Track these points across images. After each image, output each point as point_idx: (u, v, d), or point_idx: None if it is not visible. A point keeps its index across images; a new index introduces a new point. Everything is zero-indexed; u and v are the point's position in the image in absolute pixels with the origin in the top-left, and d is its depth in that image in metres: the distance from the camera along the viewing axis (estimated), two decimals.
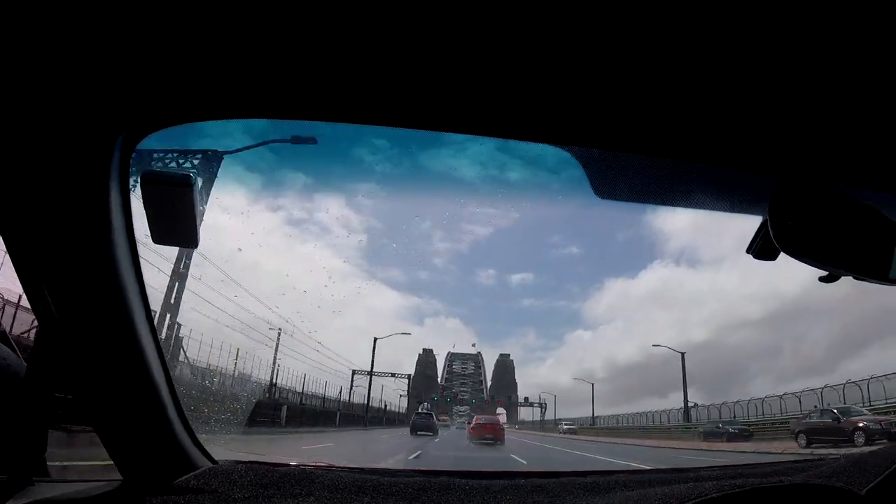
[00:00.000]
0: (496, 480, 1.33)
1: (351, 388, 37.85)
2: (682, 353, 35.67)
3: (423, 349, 71.71)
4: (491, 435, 19.64)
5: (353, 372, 39.87)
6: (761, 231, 1.07)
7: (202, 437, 1.29)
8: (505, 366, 75.44)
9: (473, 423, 22.94)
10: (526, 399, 64.20)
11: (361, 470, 1.46)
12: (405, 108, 0.91)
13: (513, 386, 69.43)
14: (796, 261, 0.96)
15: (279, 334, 27.37)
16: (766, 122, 0.90)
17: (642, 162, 1.07)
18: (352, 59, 0.80)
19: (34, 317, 1.07)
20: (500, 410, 63.73)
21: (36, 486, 1.08)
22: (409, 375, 58.17)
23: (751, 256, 1.09)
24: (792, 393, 27.23)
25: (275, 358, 27.07)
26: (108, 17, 0.71)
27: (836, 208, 0.93)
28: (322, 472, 1.28)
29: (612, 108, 0.89)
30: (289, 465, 1.37)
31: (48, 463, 1.18)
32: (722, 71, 0.80)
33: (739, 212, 1.20)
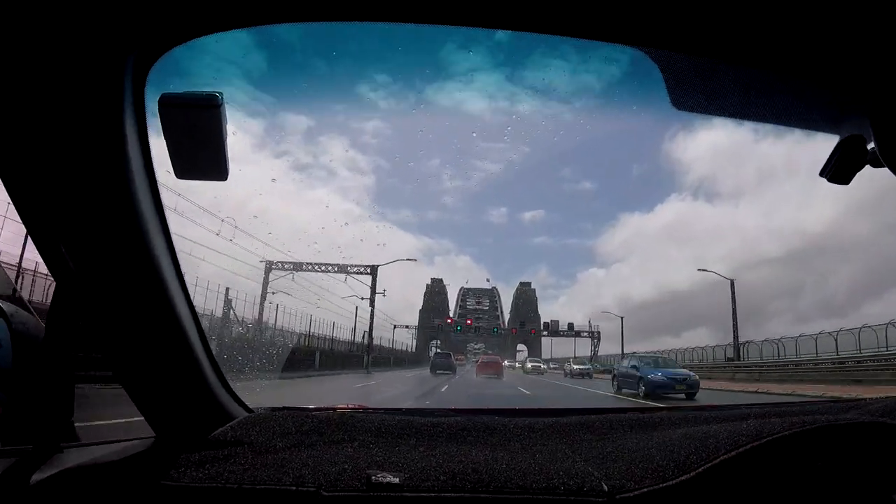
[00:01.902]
0: (540, 419, 1.34)
1: (370, 333, 38.62)
2: (732, 280, 34.47)
3: (432, 279, 65.14)
4: (493, 371, 28.65)
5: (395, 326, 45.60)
6: (838, 151, 1.03)
7: (242, 384, 1.28)
8: (526, 296, 68.80)
9: (479, 362, 33.59)
10: (570, 326, 51.54)
11: (400, 411, 1.48)
12: None
13: (536, 320, 60.67)
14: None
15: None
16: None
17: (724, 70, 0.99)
18: None
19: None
20: (521, 347, 61.00)
21: (65, 453, 1.07)
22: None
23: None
24: (809, 335, 27.33)
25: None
26: None
27: None
28: (362, 416, 1.29)
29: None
30: (326, 410, 1.37)
31: (77, 425, 1.16)
32: None
33: (815, 129, 1.14)
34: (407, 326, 48.30)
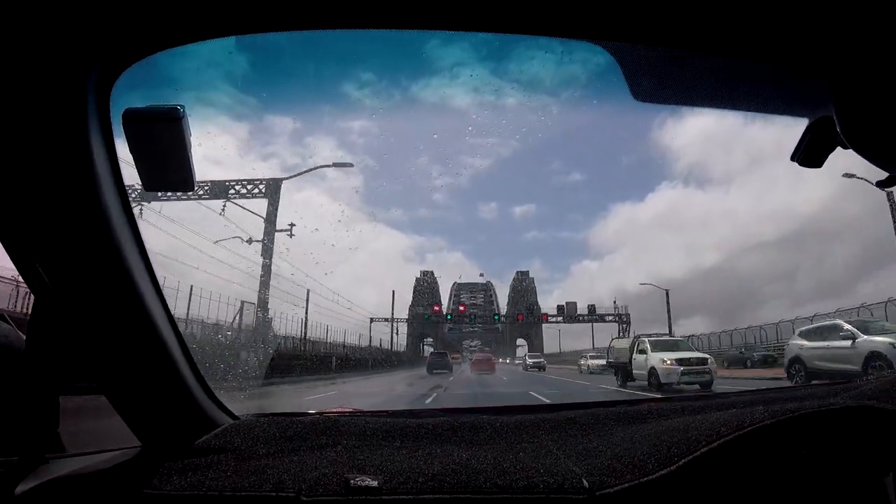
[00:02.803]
0: (525, 415, 1.36)
1: (370, 336, 38.05)
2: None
3: (422, 272, 60.10)
4: (486, 367, 31.46)
5: (371, 320, 43.02)
6: (808, 134, 1.03)
7: (234, 392, 1.29)
8: (524, 287, 63.62)
9: (473, 359, 36.07)
10: (591, 309, 44.28)
11: (387, 413, 1.50)
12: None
13: (536, 309, 54.21)
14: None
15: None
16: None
17: (687, 59, 1.01)
18: None
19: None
20: (521, 342, 57.90)
21: (51, 464, 1.08)
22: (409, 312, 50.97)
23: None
24: (805, 318, 26.75)
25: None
26: None
27: None
28: (347, 420, 1.30)
29: None
30: (312, 415, 1.39)
31: (63, 436, 1.17)
32: None
33: (784, 114, 1.15)
34: (386, 319, 43.20)
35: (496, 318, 52.58)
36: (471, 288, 68.24)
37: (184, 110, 0.96)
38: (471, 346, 61.14)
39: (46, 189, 0.90)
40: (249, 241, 23.87)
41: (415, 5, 0.83)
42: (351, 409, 1.63)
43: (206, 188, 23.45)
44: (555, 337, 53.13)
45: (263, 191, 24.68)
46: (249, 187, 24.60)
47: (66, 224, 0.94)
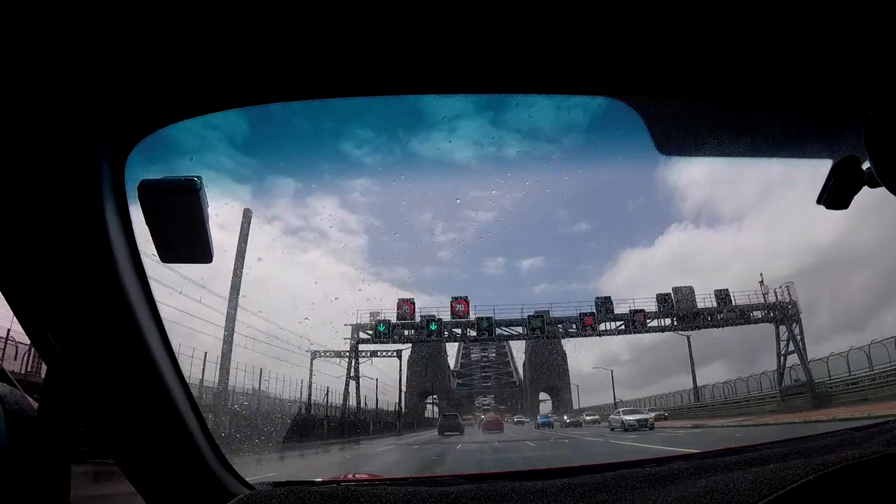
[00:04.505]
0: (551, 480, 1.32)
1: (376, 399, 36.06)
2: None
3: (422, 317, 43.10)
4: (495, 427, 32.58)
5: (377, 381, 38.65)
6: (833, 176, 1.02)
7: (245, 458, 1.28)
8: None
9: (484, 421, 36.44)
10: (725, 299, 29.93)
11: (406, 481, 1.47)
12: (405, 68, 0.86)
13: (560, 358, 46.73)
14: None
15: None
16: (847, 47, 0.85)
17: (703, 109, 1.03)
18: (338, 26, 0.77)
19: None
20: (544, 396, 50.17)
21: None
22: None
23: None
24: (819, 359, 26.77)
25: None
26: (72, 15, 0.68)
27: None
28: (366, 489, 1.27)
29: (665, 45, 0.84)
30: (330, 484, 1.37)
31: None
32: None
33: (808, 156, 1.17)
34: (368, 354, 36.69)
35: (536, 323, 33.95)
36: (482, 342, 60.88)
37: (201, 182, 0.97)
38: (483, 405, 56.06)
39: (60, 261, 0.91)
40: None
41: (418, 73, 0.87)
42: (369, 476, 1.59)
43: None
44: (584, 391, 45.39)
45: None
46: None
47: (80, 295, 0.95)
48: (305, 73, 0.86)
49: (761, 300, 31.77)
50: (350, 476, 1.53)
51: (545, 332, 34.69)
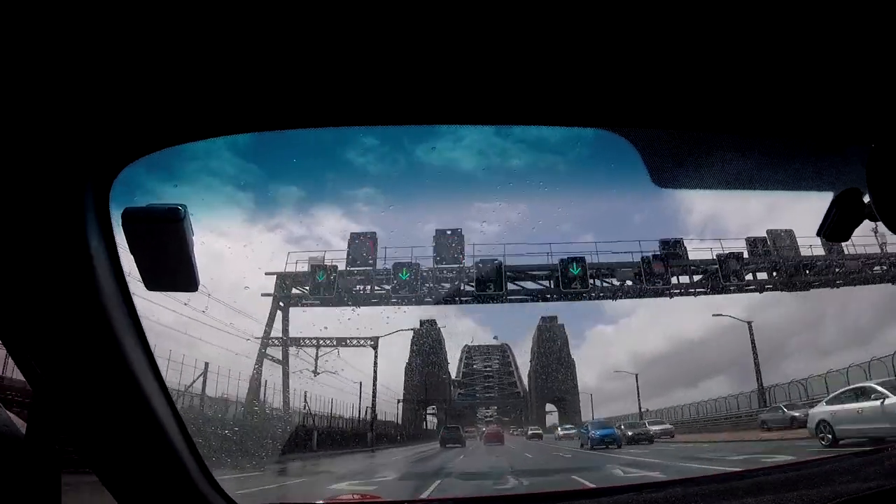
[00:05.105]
0: (548, 503, 1.32)
1: (373, 410, 31.84)
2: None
3: (420, 321, 42.40)
4: (496, 439, 32.46)
5: (398, 401, 37.17)
6: (834, 208, 1.03)
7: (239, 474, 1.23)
8: (552, 335, 49.48)
9: (485, 433, 36.40)
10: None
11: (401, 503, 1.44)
12: (409, 101, 0.87)
13: (568, 367, 45.54)
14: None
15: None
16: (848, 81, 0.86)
17: (703, 141, 1.04)
18: (335, 58, 0.77)
19: None
20: (550, 408, 47.50)
21: None
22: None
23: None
24: (838, 370, 22.89)
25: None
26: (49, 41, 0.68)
27: None
28: None
29: (663, 80, 0.85)
30: None
31: None
32: (805, 14, 0.74)
33: (809, 189, 1.18)
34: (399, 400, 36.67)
35: (574, 272, 22.58)
36: (484, 351, 59.39)
37: (185, 210, 0.96)
38: (486, 417, 53.82)
39: (44, 289, 0.91)
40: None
41: (418, 106, 0.88)
42: (365, 497, 1.58)
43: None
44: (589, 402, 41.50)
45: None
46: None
47: (65, 323, 0.94)
48: (296, 103, 0.86)
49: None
50: (345, 498, 1.52)
51: (588, 285, 22.40)
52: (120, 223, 0.94)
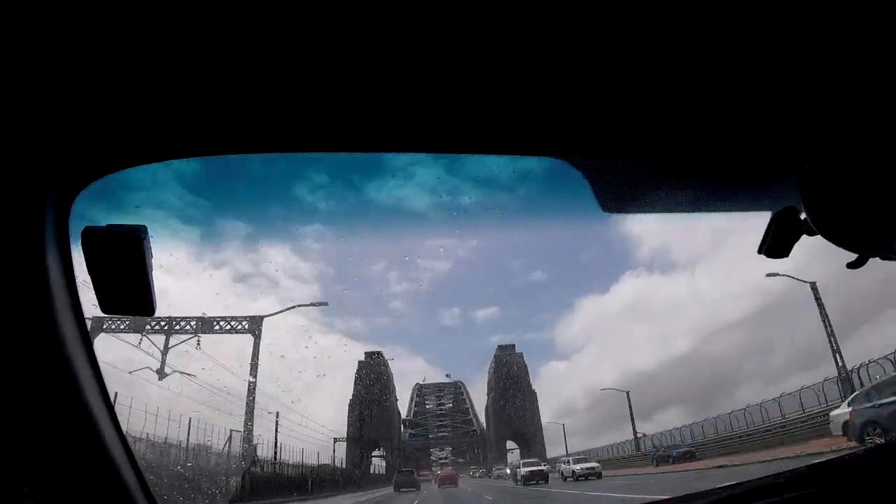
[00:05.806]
0: None
1: (333, 454, 33.41)
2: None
3: (366, 353, 42.01)
4: (451, 482, 32.74)
5: (335, 440, 35.98)
6: (772, 225, 1.09)
7: None
8: (509, 367, 46.22)
9: (440, 476, 36.61)
10: None
11: None
12: (377, 128, 0.91)
13: (530, 398, 42.76)
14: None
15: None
16: (781, 108, 0.94)
17: (648, 167, 1.11)
18: (294, 82, 0.79)
19: None
20: (511, 446, 44.33)
21: None
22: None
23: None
24: (791, 392, 26.46)
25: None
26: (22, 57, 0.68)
27: (866, 188, 0.95)
28: None
29: (611, 111, 0.92)
30: None
31: None
32: (739, 54, 0.82)
33: (749, 210, 1.24)
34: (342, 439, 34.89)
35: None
36: (436, 389, 56.43)
37: (146, 231, 0.95)
38: (440, 459, 50.62)
39: None
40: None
41: (372, 133, 0.91)
42: None
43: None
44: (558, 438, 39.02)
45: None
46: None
47: (16, 344, 0.91)
48: (258, 127, 0.88)
49: None
50: None
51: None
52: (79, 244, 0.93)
